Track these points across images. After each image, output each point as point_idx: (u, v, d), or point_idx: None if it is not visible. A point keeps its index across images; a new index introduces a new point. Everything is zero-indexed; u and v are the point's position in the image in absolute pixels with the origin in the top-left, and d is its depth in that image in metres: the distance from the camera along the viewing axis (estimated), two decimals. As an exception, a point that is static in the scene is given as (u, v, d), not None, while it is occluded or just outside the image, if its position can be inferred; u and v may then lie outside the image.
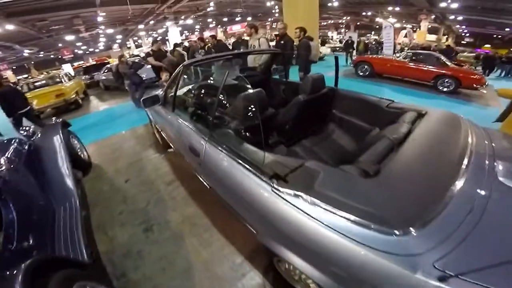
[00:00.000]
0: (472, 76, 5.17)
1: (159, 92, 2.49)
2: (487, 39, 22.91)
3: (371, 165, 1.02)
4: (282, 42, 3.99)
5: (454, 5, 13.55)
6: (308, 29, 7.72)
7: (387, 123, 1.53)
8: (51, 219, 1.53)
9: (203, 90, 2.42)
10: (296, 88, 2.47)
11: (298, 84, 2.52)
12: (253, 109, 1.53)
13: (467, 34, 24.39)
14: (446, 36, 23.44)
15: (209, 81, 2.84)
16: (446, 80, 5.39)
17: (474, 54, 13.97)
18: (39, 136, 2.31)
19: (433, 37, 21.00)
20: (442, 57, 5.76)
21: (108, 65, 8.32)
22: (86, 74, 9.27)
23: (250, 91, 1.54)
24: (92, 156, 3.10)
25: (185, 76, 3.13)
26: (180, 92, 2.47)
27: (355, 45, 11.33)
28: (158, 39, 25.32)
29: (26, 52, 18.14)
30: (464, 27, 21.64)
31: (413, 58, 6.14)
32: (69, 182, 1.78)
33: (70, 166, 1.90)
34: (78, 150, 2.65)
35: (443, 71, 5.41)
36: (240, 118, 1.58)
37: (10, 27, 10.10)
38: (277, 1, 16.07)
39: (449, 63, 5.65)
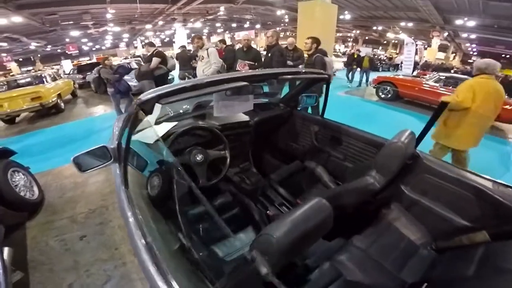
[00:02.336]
0: (512, 109, 4.50)
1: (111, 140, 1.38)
2: (494, 58, 22.48)
3: None
4: (270, 54, 3.46)
5: (471, 23, 13.13)
6: (323, 42, 7.26)
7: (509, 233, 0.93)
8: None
9: (186, 148, 1.42)
10: (339, 132, 1.70)
11: (340, 127, 1.69)
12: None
13: (475, 53, 24.06)
14: (454, 54, 23.09)
15: (200, 121, 1.67)
16: None
17: None
18: None
19: (441, 55, 20.64)
20: None
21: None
22: (80, 73, 8.66)
23: (304, 209, 0.75)
24: (48, 189, 2.47)
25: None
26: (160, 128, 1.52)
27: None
28: (165, 40, 25.34)
29: (33, 45, 17.83)
30: (474, 45, 21.29)
31: (447, 82, 5.47)
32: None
33: None
34: (22, 188, 2.05)
35: None
36: None
37: (18, 19, 9.93)
38: (288, 10, 15.81)
39: None
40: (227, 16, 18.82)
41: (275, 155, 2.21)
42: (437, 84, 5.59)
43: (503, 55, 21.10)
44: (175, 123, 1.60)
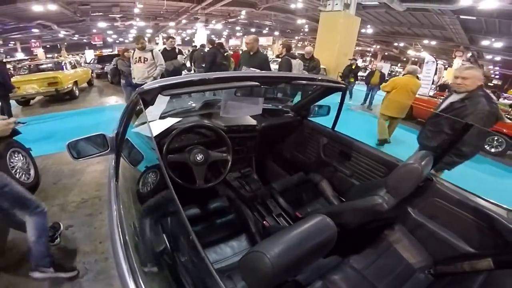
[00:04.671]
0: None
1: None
2: (516, 82, 21.52)
3: None
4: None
5: (498, 44, 12.62)
6: (342, 55, 7.15)
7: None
8: None
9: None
10: (349, 147, 1.64)
11: (351, 142, 1.64)
12: None
13: (497, 76, 23.09)
14: (475, 76, 22.09)
15: (206, 120, 1.63)
16: (497, 138, 4.50)
17: (510, 102, 12.80)
18: None
19: (460, 76, 19.83)
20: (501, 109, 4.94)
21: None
22: (99, 63, 9.17)
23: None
24: (45, 174, 2.44)
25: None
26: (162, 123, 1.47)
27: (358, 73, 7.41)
28: (186, 39, 25.95)
29: (62, 33, 18.71)
30: (497, 68, 20.46)
31: None
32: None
33: None
34: (18, 170, 2.02)
35: (499, 128, 4.46)
36: None
37: (53, 7, 10.49)
38: (309, 20, 15.85)
39: (505, 118, 4.76)
40: (247, 20, 19.10)
41: (278, 163, 2.15)
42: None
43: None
44: (179, 118, 1.55)
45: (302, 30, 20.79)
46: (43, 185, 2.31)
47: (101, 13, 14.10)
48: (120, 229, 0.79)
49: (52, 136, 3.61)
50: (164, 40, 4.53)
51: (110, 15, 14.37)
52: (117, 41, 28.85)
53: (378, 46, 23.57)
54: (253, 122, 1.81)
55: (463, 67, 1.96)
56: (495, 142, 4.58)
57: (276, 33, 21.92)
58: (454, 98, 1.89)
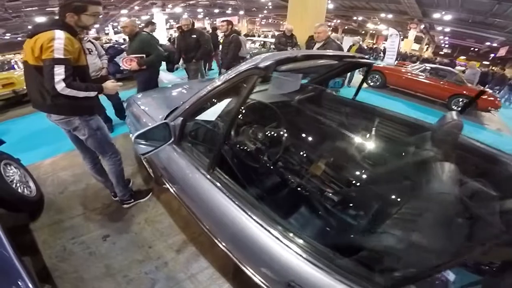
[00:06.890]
0: (490, 99, 5.03)
1: (172, 117, 1.28)
2: (464, 51, 24.16)
3: None
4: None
5: (448, 17, 13.85)
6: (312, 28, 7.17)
7: None
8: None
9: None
10: (371, 113, 1.74)
11: (373, 109, 1.75)
12: None
13: (447, 45, 25.53)
14: (427, 46, 24.34)
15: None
16: (461, 99, 5.23)
17: (463, 68, 14.37)
18: None
19: (416, 46, 21.70)
20: (461, 75, 5.60)
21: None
22: None
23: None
24: (43, 184, 2.12)
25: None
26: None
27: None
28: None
29: (-10, 33, 15.76)
30: (447, 38, 22.55)
31: (431, 73, 5.90)
32: (7, 254, 0.97)
33: None
34: (18, 184, 1.74)
35: (462, 91, 5.21)
36: None
37: None
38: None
39: (466, 82, 5.50)
40: (209, 1, 17.99)
41: (310, 135, 2.22)
42: (422, 74, 5.97)
43: (472, 48, 22.70)
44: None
45: (266, 7, 20.29)
46: (49, 197, 2.03)
47: (35, 8, 12.04)
48: (273, 221, 0.84)
49: (27, 143, 3.05)
50: (147, 24, 3.95)
51: (47, 9, 12.34)
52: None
53: (339, 21, 24.12)
54: (287, 98, 1.85)
55: (316, 26, 2.78)
56: (460, 102, 5.30)
57: (241, 12, 21.08)
58: (317, 45, 2.80)
